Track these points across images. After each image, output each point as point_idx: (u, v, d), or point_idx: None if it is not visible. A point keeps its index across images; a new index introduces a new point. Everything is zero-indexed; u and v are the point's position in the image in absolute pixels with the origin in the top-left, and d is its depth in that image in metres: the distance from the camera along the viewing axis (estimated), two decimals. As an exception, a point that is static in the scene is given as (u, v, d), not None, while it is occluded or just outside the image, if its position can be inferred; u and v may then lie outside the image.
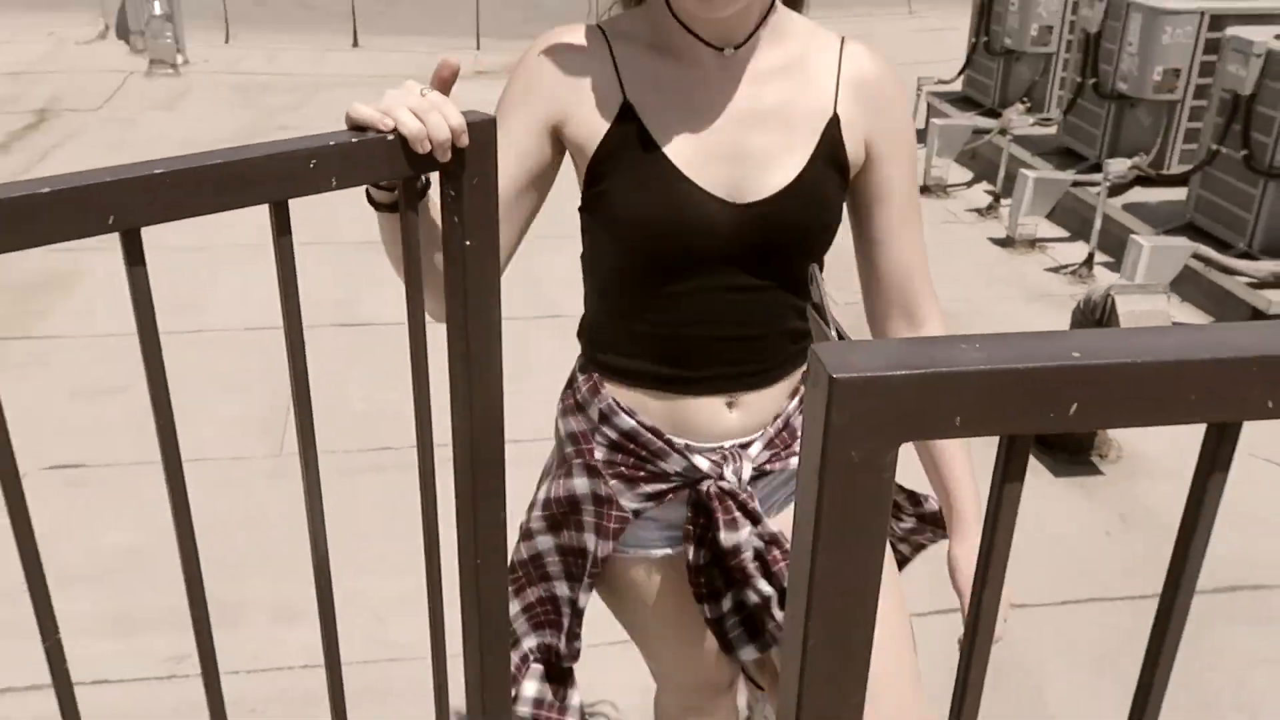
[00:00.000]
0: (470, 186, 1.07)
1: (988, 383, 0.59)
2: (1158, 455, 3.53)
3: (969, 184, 6.24)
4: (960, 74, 7.14)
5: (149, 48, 8.30)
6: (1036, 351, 0.60)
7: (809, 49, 1.32)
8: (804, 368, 1.38)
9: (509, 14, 9.35)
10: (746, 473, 1.37)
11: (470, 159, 1.06)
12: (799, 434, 1.33)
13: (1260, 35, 4.51)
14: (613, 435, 1.39)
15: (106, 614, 2.69)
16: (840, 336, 1.11)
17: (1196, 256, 4.37)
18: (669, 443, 1.36)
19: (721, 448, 1.37)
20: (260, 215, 1.02)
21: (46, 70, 8.43)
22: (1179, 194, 5.20)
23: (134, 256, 0.96)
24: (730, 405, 1.37)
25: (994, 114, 6.49)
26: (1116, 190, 5.23)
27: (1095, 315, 3.26)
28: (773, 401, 1.39)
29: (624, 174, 1.29)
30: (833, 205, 1.32)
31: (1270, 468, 3.38)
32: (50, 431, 3.47)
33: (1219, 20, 5.07)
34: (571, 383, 1.45)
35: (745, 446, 1.38)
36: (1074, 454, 3.49)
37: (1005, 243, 5.31)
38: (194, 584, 1.17)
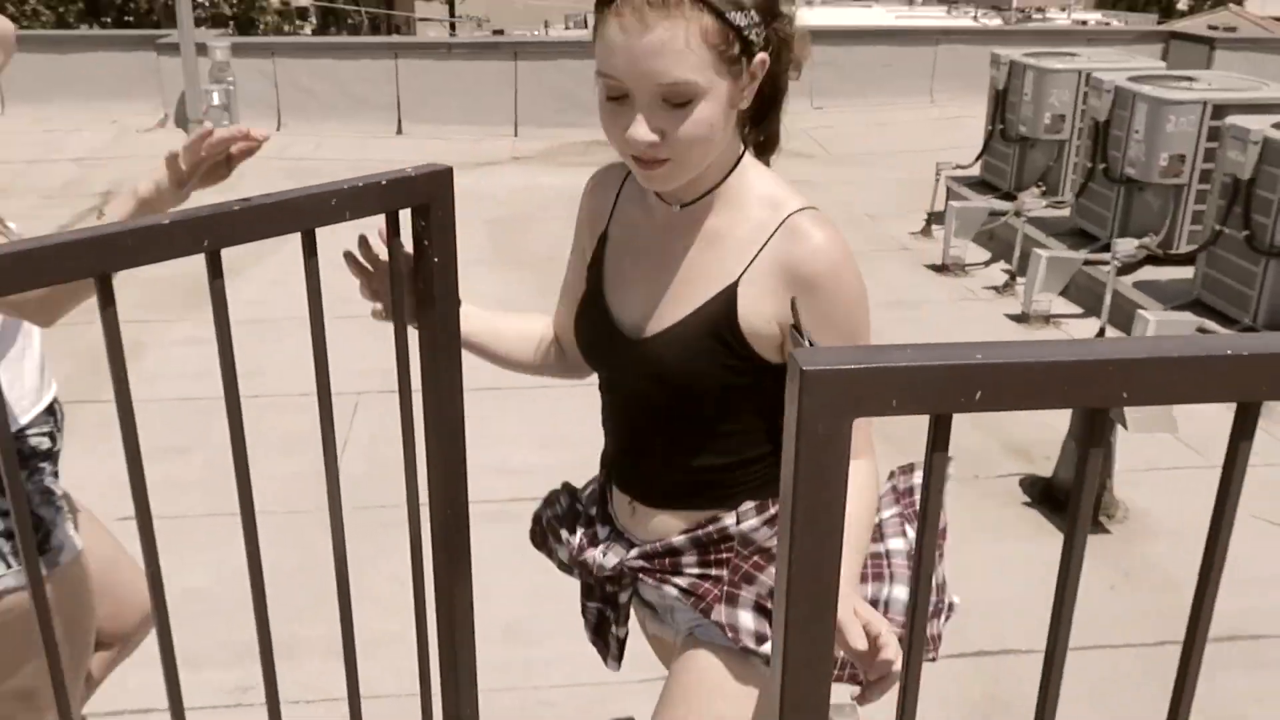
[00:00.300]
0: (435, 220, 1.43)
1: (915, 375, 0.83)
2: (1160, 516, 3.70)
3: (986, 263, 6.49)
4: (978, 159, 7.43)
5: (206, 135, 8.77)
6: (950, 354, 0.84)
7: (753, 217, 1.38)
8: (704, 513, 1.49)
9: (544, 104, 9.80)
10: (610, 561, 1.54)
11: (434, 201, 1.42)
12: (684, 570, 1.50)
13: (1258, 124, 4.76)
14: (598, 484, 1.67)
15: (179, 649, 2.92)
16: (809, 341, 1.34)
17: (1201, 331, 4.57)
18: (602, 504, 1.61)
19: (624, 532, 1.57)
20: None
21: (110, 156, 8.92)
22: (1187, 273, 5.42)
23: (215, 272, 1.29)
24: (633, 507, 1.54)
25: (1010, 197, 6.77)
26: (1127, 269, 5.46)
27: (1097, 382, 3.48)
28: (664, 524, 1.51)
29: (584, 297, 1.53)
30: (704, 360, 1.39)
31: (1268, 527, 3.55)
32: (122, 487, 3.74)
33: (1220, 110, 5.34)
34: None
35: (632, 545, 1.54)
36: (1081, 515, 3.66)
37: (1021, 319, 5.53)
38: (262, 622, 1.45)
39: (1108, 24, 26.57)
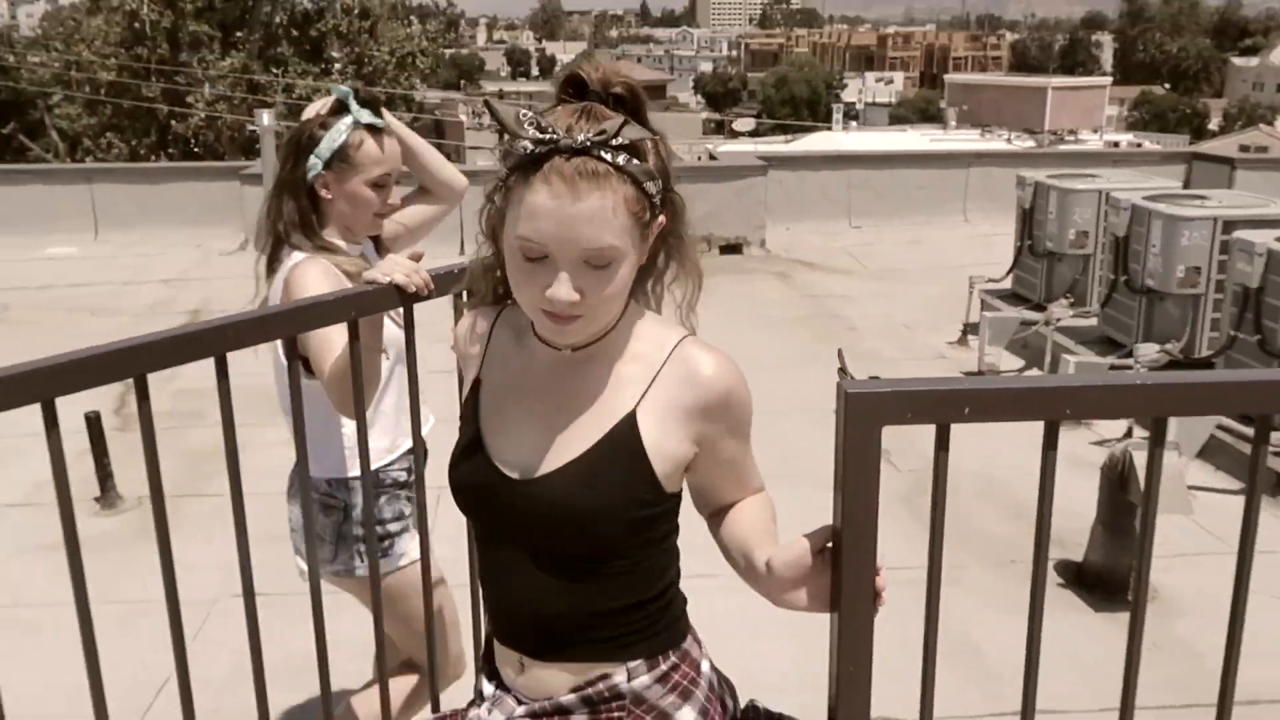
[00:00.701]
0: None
1: (923, 396, 1.24)
2: (1188, 596, 3.99)
3: (1020, 370, 6.86)
4: (1009, 273, 7.87)
5: (285, 257, 9.44)
6: (947, 383, 1.25)
7: (641, 352, 1.44)
8: (595, 668, 1.46)
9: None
10: (497, 719, 1.49)
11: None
12: None
13: (1263, 238, 5.17)
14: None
15: (300, 703, 3.30)
16: (852, 378, 1.73)
17: (1220, 428, 4.90)
18: (488, 659, 1.56)
19: (511, 689, 1.51)
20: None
21: (196, 277, 9.61)
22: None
23: (354, 335, 1.87)
24: (521, 665, 1.49)
25: (1040, 308, 7.17)
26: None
27: (1118, 470, 3.82)
28: (553, 681, 1.47)
29: (458, 442, 1.50)
30: (605, 492, 1.39)
31: (1280, 602, 3.83)
32: (231, 568, 4.16)
33: (1230, 225, 5.75)
34: None
35: (519, 702, 1.49)
36: (1113, 594, 3.96)
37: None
38: (383, 681, 1.91)
39: (1139, 145, 27.32)
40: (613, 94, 1.36)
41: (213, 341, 1.69)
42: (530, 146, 1.28)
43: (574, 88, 1.38)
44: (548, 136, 1.28)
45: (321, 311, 1.86)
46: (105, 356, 1.56)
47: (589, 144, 1.28)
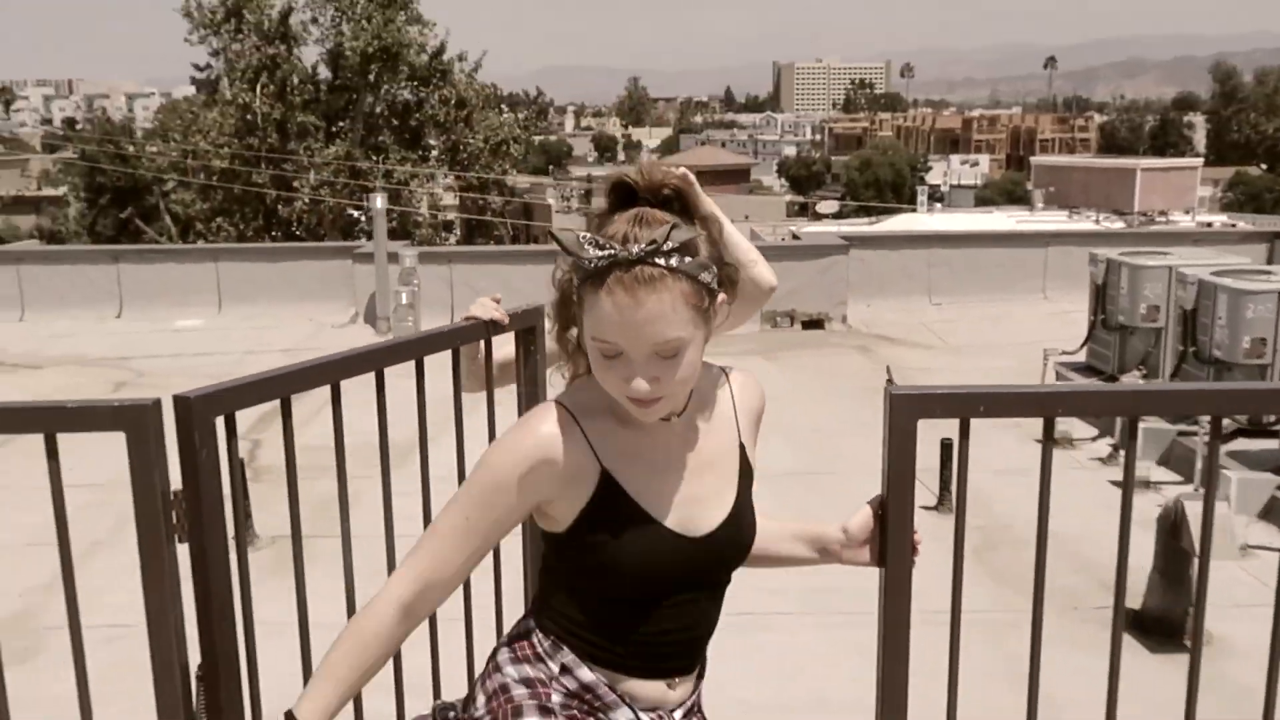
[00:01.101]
0: (537, 335, 2.44)
1: (948, 396, 1.66)
2: (1239, 641, 4.22)
3: (1094, 438, 7.10)
4: (1083, 346, 8.14)
5: (393, 329, 10.12)
6: (966, 388, 1.66)
7: (710, 392, 1.64)
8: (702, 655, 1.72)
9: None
10: None
11: (536, 325, 2.44)
12: (699, 711, 1.72)
13: (1324, 308, 5.43)
14: (571, 685, 1.62)
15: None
16: (896, 385, 2.12)
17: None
18: (622, 697, 1.63)
19: (659, 710, 1.66)
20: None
21: (309, 348, 10.31)
22: (1275, 444, 5.97)
23: (420, 376, 2.30)
24: (670, 685, 1.65)
25: (1113, 379, 7.42)
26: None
27: (1171, 519, 4.11)
28: (691, 683, 1.69)
29: (613, 530, 1.56)
30: (753, 517, 1.66)
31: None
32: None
33: (1295, 298, 6.01)
34: (526, 635, 1.68)
35: (672, 710, 1.67)
36: (1168, 637, 4.22)
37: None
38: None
39: (1233, 225, 27.02)
40: (663, 195, 1.50)
41: (375, 359, 2.22)
42: (591, 263, 1.43)
43: (623, 193, 1.51)
44: (605, 253, 1.42)
45: (434, 341, 2.40)
46: (332, 364, 2.08)
47: (643, 255, 1.41)
